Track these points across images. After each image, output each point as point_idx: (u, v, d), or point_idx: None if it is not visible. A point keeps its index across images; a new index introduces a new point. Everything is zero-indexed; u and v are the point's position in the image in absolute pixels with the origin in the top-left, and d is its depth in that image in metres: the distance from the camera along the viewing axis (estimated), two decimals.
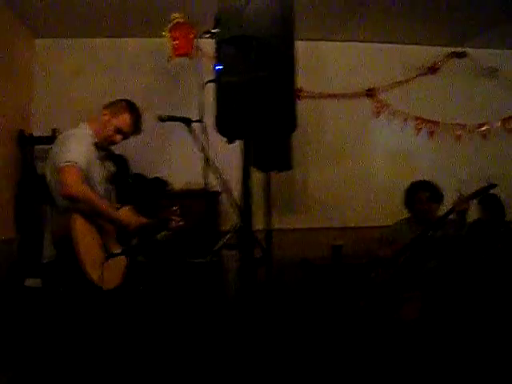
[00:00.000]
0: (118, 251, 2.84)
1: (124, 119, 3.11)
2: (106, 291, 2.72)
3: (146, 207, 3.51)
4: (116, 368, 2.87)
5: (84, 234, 2.73)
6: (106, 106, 3.16)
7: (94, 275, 2.64)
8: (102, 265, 2.66)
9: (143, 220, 3.28)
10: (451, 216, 3.82)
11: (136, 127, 3.19)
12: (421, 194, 4.07)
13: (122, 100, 3.20)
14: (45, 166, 3.01)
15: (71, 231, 2.65)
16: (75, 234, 2.65)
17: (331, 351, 3.81)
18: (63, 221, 2.72)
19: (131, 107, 3.17)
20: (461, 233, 3.75)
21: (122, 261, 2.99)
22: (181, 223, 3.34)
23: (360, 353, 3.66)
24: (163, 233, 3.26)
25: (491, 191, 3.81)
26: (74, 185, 2.71)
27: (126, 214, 3.14)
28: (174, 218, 3.33)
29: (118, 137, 3.12)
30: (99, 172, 3.07)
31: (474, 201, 3.87)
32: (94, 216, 2.82)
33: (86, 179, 2.88)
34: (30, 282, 3.73)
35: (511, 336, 3.61)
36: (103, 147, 3.14)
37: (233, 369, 2.92)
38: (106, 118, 3.10)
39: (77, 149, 2.84)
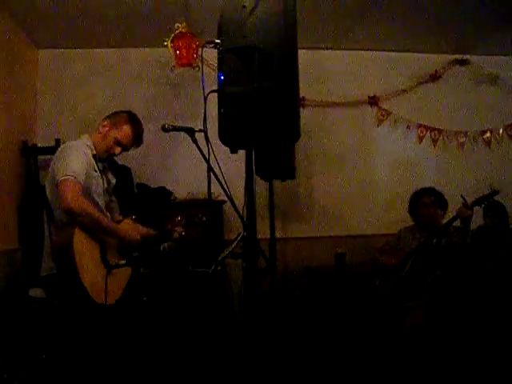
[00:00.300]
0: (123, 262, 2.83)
1: (124, 131, 3.08)
2: (105, 305, 2.69)
3: (151, 217, 3.51)
4: (119, 379, 2.86)
5: (84, 249, 2.71)
6: (107, 117, 3.15)
7: (93, 291, 2.63)
8: (102, 280, 2.63)
9: (146, 231, 3.25)
10: (455, 223, 3.82)
11: (136, 139, 3.16)
12: (425, 199, 4.09)
13: (123, 111, 3.19)
14: (45, 179, 3.01)
15: (72, 246, 2.63)
16: (76, 248, 2.64)
17: (336, 359, 3.80)
18: (63, 235, 2.71)
19: (132, 119, 3.14)
20: (465, 240, 3.75)
21: (123, 274, 2.97)
22: (183, 233, 3.34)
23: (365, 361, 3.65)
24: (167, 243, 3.25)
25: (495, 198, 3.81)
26: (73, 199, 2.68)
27: (127, 226, 3.11)
28: (176, 228, 3.33)
29: (118, 148, 3.09)
30: (99, 184, 3.05)
31: (478, 207, 3.87)
32: (93, 230, 2.79)
33: (86, 192, 2.86)
34: (34, 293, 3.73)
35: None
36: (103, 159, 3.12)
37: (237, 379, 2.91)
38: (106, 129, 3.08)
39: (75, 161, 2.82)
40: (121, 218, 3.22)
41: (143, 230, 3.24)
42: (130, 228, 3.11)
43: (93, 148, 3.03)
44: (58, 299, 2.83)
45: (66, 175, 2.72)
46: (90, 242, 2.78)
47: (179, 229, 3.33)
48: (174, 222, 3.39)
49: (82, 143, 3.00)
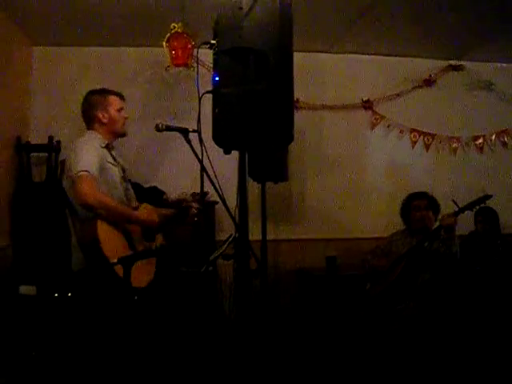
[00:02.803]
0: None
1: (112, 99, 3.21)
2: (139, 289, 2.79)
3: None
4: (110, 376, 2.85)
5: (109, 238, 2.78)
6: (91, 112, 3.19)
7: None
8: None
9: (164, 212, 3.37)
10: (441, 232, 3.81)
11: (120, 96, 3.31)
12: (418, 202, 4.08)
13: (89, 96, 3.26)
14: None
15: (97, 238, 2.69)
16: (101, 239, 2.70)
17: (327, 362, 3.81)
18: (87, 229, 2.79)
19: (102, 90, 3.28)
20: (451, 250, 3.72)
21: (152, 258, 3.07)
22: (200, 207, 3.42)
23: (354, 363, 3.66)
24: (159, 243, 3.27)
25: (487, 203, 3.82)
26: (89, 193, 2.75)
27: (145, 210, 3.20)
28: (193, 204, 3.40)
29: (124, 113, 3.23)
30: (116, 173, 3.11)
31: (470, 212, 3.87)
32: (114, 220, 2.86)
33: (104, 183, 2.95)
34: (24, 290, 3.71)
35: (507, 351, 3.61)
36: (116, 137, 3.23)
37: (227, 378, 2.91)
38: (105, 114, 3.15)
39: (86, 156, 2.88)
40: (137, 204, 3.27)
41: (161, 211, 3.36)
42: (148, 212, 3.21)
43: (102, 139, 3.10)
44: (90, 293, 2.90)
45: (80, 171, 2.78)
46: (113, 231, 2.85)
47: (195, 204, 3.39)
48: (191, 196, 3.49)
49: (90, 137, 3.07)
